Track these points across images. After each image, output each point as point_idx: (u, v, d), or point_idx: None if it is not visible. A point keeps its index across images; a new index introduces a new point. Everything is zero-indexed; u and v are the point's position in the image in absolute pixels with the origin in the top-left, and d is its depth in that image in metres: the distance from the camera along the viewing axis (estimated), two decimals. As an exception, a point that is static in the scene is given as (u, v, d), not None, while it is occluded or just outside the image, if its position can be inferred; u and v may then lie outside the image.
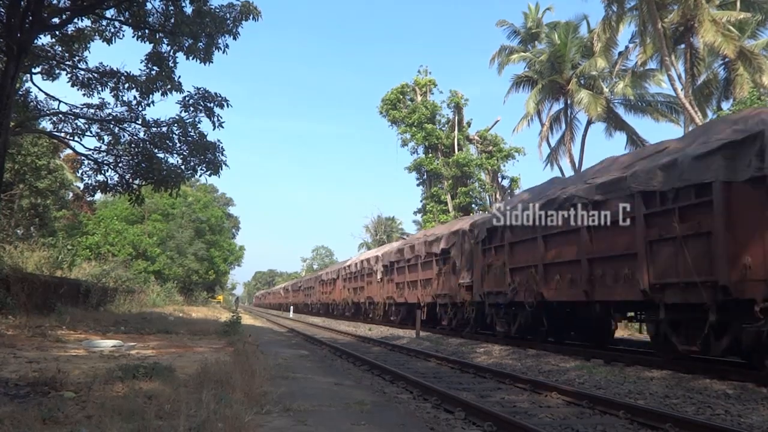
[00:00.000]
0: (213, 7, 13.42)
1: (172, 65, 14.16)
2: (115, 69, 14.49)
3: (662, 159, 9.26)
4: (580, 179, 12.37)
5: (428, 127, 41.68)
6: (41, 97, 15.17)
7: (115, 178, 15.14)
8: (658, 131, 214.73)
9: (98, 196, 19.24)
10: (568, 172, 34.36)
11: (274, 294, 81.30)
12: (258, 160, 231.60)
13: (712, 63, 26.48)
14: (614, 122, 31.91)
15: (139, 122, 14.68)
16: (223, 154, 14.65)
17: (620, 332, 16.70)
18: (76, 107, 14.61)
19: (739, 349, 8.21)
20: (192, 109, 14.39)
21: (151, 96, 14.47)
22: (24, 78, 14.80)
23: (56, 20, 13.10)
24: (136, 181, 15.11)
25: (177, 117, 14.40)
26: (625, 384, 8.06)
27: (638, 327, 15.20)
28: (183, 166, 14.77)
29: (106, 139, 14.91)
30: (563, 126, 33.72)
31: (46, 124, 16.53)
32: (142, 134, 14.84)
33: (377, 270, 25.83)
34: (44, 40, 14.24)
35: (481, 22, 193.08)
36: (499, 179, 41.71)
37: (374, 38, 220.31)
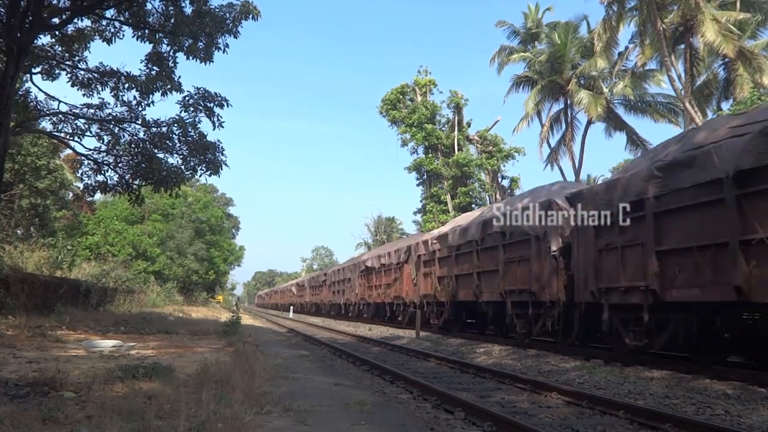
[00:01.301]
0: (213, 7, 13.42)
1: (172, 65, 14.15)
2: (115, 69, 14.47)
3: None
4: None
5: (428, 128, 41.70)
6: (41, 97, 15.18)
7: (115, 178, 15.13)
8: (658, 132, 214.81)
9: (98, 196, 19.22)
10: (569, 173, 34.46)
11: (282, 293, 67.34)
12: (258, 160, 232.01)
13: (712, 63, 26.49)
14: (614, 122, 31.92)
15: (139, 122, 14.66)
16: (223, 154, 14.65)
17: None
18: (76, 107, 14.60)
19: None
20: (192, 109, 14.38)
21: (151, 96, 14.45)
22: (24, 78, 14.78)
23: (56, 20, 13.09)
24: (136, 182, 15.09)
25: (177, 117, 14.39)
26: (625, 384, 8.06)
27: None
28: (183, 166, 14.76)
29: (106, 139, 14.90)
30: (563, 126, 33.75)
31: (46, 124, 16.52)
32: (142, 134, 14.82)
33: (548, 234, 12.37)
34: (44, 40, 14.24)
35: (481, 22, 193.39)
36: (499, 179, 41.76)
37: (374, 38, 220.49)
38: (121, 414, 4.19)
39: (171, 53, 14.04)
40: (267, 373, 7.04)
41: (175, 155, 14.72)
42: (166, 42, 13.95)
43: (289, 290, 60.44)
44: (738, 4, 23.99)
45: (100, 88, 14.73)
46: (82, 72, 14.60)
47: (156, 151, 14.71)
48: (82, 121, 14.89)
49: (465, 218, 19.01)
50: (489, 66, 42.82)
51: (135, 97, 14.57)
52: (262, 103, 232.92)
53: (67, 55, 14.71)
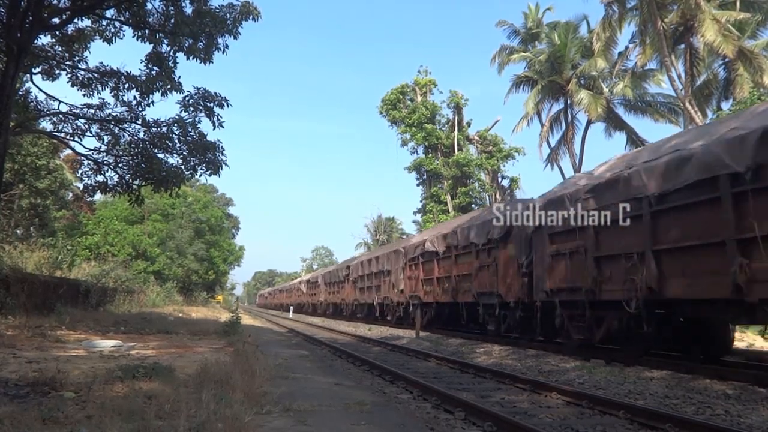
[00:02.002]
0: (213, 7, 13.43)
1: (172, 65, 14.15)
2: (115, 69, 14.48)
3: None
4: None
5: (428, 127, 41.70)
6: (41, 97, 15.17)
7: (115, 178, 15.14)
8: (657, 131, 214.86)
9: (98, 196, 19.22)
10: (569, 173, 34.45)
11: (289, 291, 58.76)
12: (258, 160, 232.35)
13: (712, 63, 26.49)
14: (614, 122, 31.93)
15: (139, 122, 14.67)
16: (223, 154, 14.66)
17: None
18: (76, 107, 14.61)
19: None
20: (192, 109, 14.38)
21: (151, 96, 14.46)
22: (24, 78, 14.78)
23: (56, 20, 13.09)
24: (136, 182, 15.10)
25: (177, 117, 14.40)
26: (625, 384, 8.05)
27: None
28: (183, 166, 14.76)
29: (106, 139, 14.90)
30: (563, 126, 33.76)
31: (46, 125, 16.53)
32: (142, 134, 14.83)
33: None
34: (44, 40, 14.26)
35: (481, 22, 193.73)
36: (499, 179, 41.77)
37: (374, 38, 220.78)
38: (121, 414, 4.19)
39: (171, 53, 14.05)
40: (267, 373, 7.04)
41: (175, 155, 14.74)
42: (166, 42, 13.96)
43: (297, 288, 51.96)
44: (738, 4, 23.99)
45: (100, 88, 14.74)
46: (82, 72, 14.61)
47: (156, 151, 14.71)
48: (82, 121, 14.90)
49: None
50: (489, 66, 42.98)
51: (135, 97, 14.60)
52: (262, 103, 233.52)
53: (67, 55, 14.72)
